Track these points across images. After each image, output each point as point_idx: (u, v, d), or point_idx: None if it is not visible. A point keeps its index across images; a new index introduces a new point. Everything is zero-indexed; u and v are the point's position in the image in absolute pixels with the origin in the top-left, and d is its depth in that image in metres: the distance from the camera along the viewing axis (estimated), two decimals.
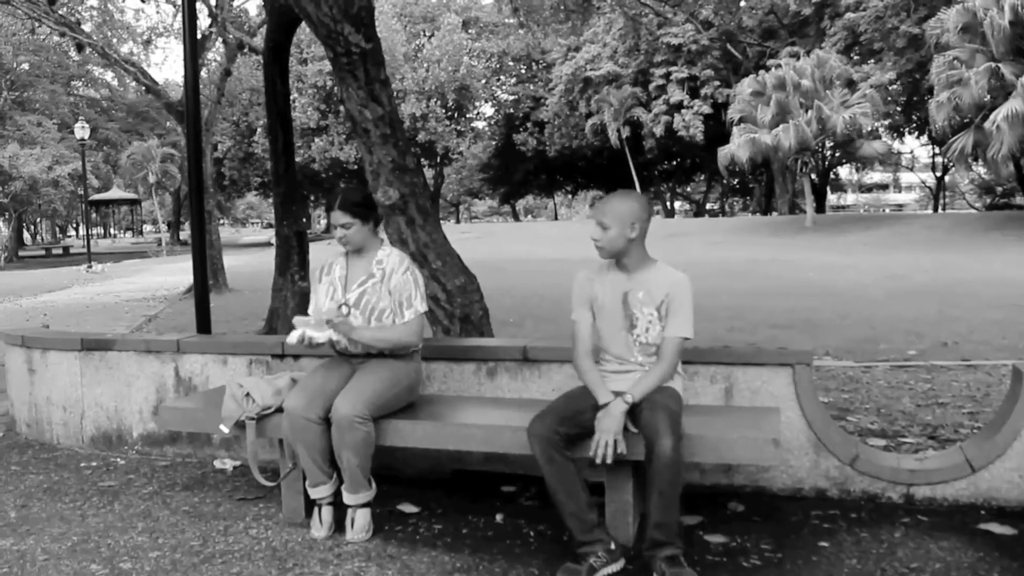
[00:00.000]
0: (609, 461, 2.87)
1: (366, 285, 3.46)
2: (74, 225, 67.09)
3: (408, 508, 3.57)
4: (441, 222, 5.44)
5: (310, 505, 3.42)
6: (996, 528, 3.18)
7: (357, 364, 3.49)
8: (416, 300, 3.43)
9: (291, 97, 11.96)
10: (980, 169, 35.91)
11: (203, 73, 20.56)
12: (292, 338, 3.33)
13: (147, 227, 77.68)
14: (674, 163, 53.95)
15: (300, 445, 3.30)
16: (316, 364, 3.77)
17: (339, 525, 3.32)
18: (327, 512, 3.33)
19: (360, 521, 3.28)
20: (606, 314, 3.16)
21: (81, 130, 29.22)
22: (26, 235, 59.40)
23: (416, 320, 3.43)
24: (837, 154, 37.76)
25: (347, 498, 3.28)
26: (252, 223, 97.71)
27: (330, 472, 3.33)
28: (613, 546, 2.90)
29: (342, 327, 3.35)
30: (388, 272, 3.45)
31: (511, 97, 54.91)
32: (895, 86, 34.29)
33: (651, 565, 2.82)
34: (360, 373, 3.40)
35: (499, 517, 3.43)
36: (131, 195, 50.24)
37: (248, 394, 3.45)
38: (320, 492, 3.33)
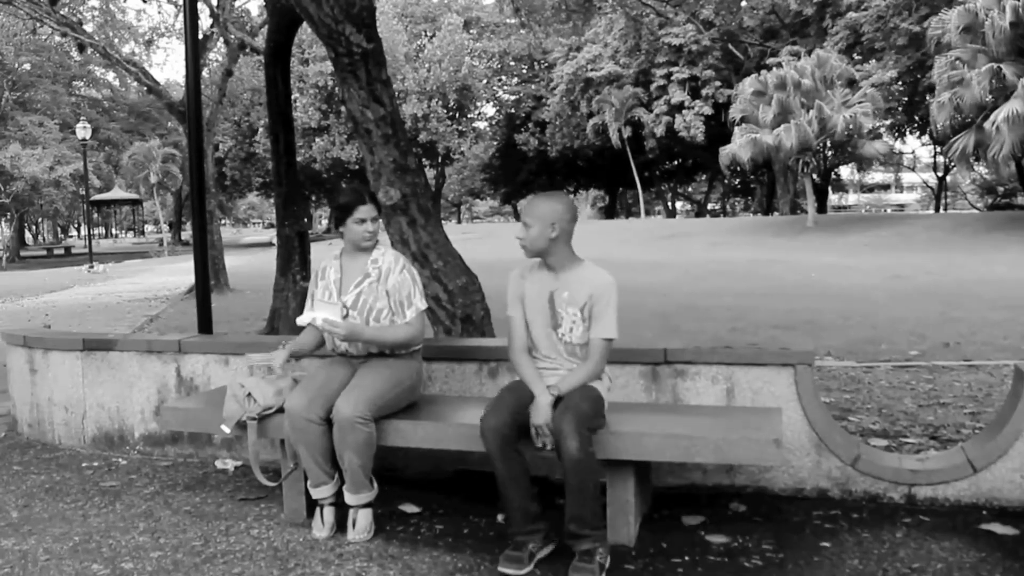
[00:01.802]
0: (548, 447, 2.98)
1: (362, 286, 3.46)
2: (76, 225, 67.08)
3: (410, 508, 3.57)
4: (442, 222, 5.45)
5: (312, 505, 3.42)
6: (998, 528, 3.18)
7: (358, 364, 3.49)
8: (416, 298, 3.44)
9: (292, 97, 11.97)
10: (982, 169, 35.87)
11: (204, 73, 20.58)
12: (305, 319, 3.35)
13: (148, 227, 77.71)
14: (675, 163, 53.92)
15: (301, 446, 3.30)
16: (317, 364, 3.77)
17: (340, 525, 3.33)
18: (329, 512, 3.33)
19: (362, 521, 3.28)
20: (534, 313, 3.22)
21: (83, 130, 29.23)
22: (28, 235, 59.43)
23: (418, 319, 3.44)
24: (837, 153, 37.72)
25: (349, 498, 3.28)
26: (253, 223, 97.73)
27: (332, 472, 3.33)
28: (547, 529, 3.03)
29: (346, 329, 3.34)
30: (384, 272, 3.45)
31: (512, 97, 54.90)
32: (896, 85, 34.25)
33: (572, 552, 2.92)
34: (361, 373, 3.40)
35: (500, 517, 3.43)
36: (132, 195, 50.23)
37: (250, 394, 3.45)
38: (322, 492, 3.32)
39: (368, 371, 3.40)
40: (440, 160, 47.58)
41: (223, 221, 50.23)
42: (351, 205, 3.45)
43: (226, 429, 3.47)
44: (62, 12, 17.24)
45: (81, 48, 20.14)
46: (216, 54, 23.56)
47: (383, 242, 3.65)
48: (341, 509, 3.33)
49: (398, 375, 3.41)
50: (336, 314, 3.34)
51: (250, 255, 31.65)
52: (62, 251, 43.70)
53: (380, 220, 3.53)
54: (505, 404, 3.06)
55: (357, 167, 41.43)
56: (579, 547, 2.88)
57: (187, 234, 51.27)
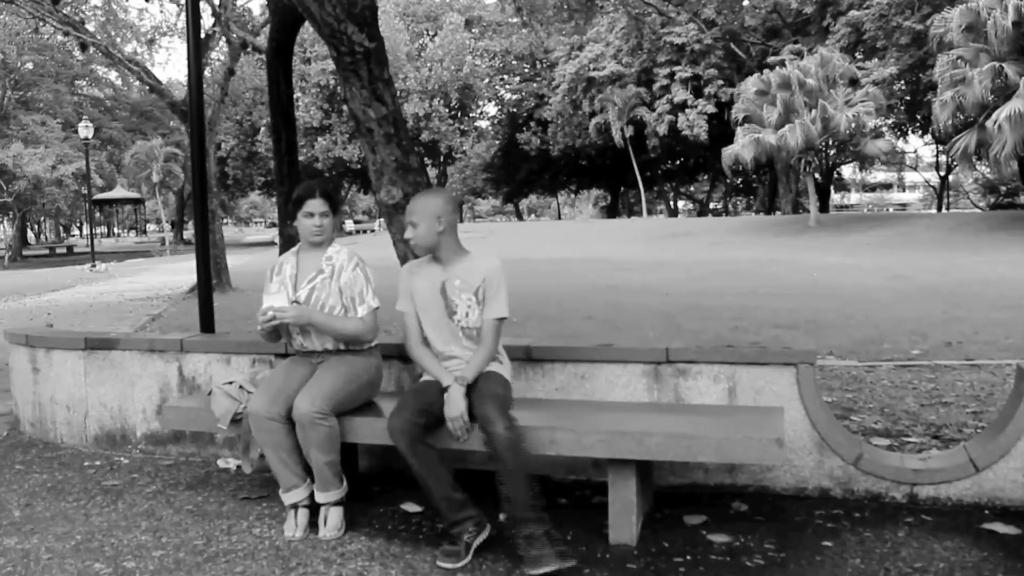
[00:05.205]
0: (464, 438, 3.11)
1: (315, 281, 3.48)
2: (78, 224, 67.17)
3: (411, 508, 3.57)
4: None
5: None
6: (1000, 528, 3.18)
7: (316, 363, 3.51)
8: (368, 296, 3.46)
9: (295, 96, 11.97)
10: (984, 168, 35.84)
11: (207, 72, 20.58)
12: (266, 311, 3.36)
13: (151, 226, 77.78)
14: (678, 162, 53.91)
15: (268, 448, 3.31)
16: (278, 365, 3.77)
17: (314, 527, 3.33)
18: (303, 514, 3.33)
19: (333, 519, 3.29)
20: (427, 305, 3.34)
21: (85, 129, 29.25)
22: (30, 234, 59.51)
23: (370, 315, 3.46)
24: (840, 152, 37.69)
25: (319, 496, 3.30)
26: (255, 222, 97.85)
27: (303, 475, 3.33)
28: (478, 516, 3.09)
29: (295, 312, 3.36)
30: (338, 268, 3.47)
31: (514, 96, 54.92)
32: (898, 84, 34.23)
33: (515, 544, 2.93)
34: (319, 371, 3.44)
35: (502, 516, 3.43)
36: (135, 194, 50.31)
37: (241, 386, 3.52)
38: (294, 497, 3.32)
39: (325, 368, 3.44)
40: (442, 159, 47.68)
41: (225, 220, 50.33)
42: (302, 198, 3.47)
43: (222, 427, 3.50)
44: (64, 11, 17.27)
45: (83, 47, 20.17)
46: (218, 53, 23.56)
47: (341, 242, 3.65)
48: (316, 512, 3.34)
49: (355, 370, 3.44)
50: (283, 301, 3.37)
51: (252, 254, 31.68)
52: (64, 250, 43.82)
53: (331, 218, 3.49)
54: (408, 404, 3.15)
55: (359, 166, 41.51)
56: (521, 533, 2.90)
57: (189, 233, 51.28)
